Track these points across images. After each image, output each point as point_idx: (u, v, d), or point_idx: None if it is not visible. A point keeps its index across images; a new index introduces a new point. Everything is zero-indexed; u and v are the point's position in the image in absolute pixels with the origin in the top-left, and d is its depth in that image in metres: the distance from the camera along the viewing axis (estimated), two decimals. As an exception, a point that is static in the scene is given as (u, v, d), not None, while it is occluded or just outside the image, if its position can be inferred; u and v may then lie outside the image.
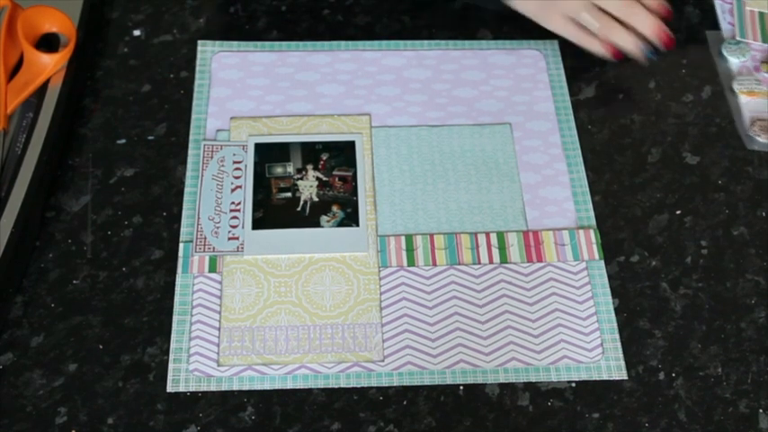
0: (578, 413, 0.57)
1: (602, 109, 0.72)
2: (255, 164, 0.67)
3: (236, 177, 0.66)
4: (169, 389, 0.57)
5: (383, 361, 0.59)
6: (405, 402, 0.58)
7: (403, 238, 0.64)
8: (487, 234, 0.64)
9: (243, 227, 0.64)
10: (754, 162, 0.69)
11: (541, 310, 0.61)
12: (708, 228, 0.66)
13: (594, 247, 0.64)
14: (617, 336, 0.60)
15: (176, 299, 0.61)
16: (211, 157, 0.67)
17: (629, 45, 0.69)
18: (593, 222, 0.65)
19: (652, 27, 0.69)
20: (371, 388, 0.58)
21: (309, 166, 0.67)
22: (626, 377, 0.59)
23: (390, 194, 0.66)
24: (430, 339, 0.60)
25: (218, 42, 0.74)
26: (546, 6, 0.70)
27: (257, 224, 0.64)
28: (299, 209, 0.65)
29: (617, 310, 0.61)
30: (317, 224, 0.64)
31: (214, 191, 0.65)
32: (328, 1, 0.77)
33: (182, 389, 0.57)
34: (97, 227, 0.64)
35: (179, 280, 0.62)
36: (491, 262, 0.63)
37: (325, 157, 0.68)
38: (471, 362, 0.59)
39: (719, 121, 0.71)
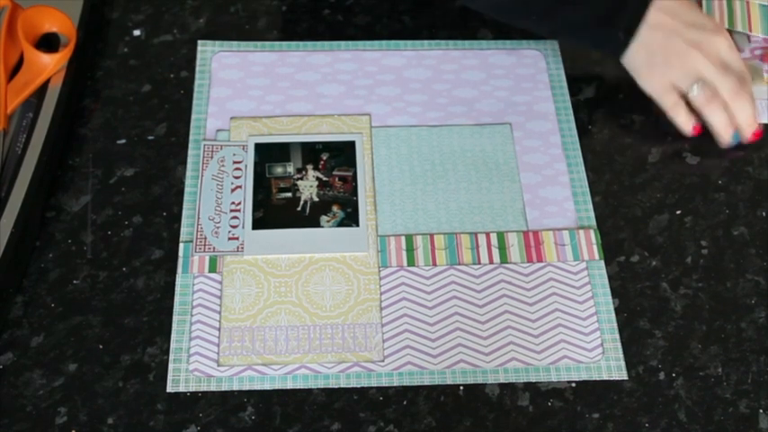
0: (578, 413, 0.57)
1: (602, 109, 0.72)
2: (255, 164, 0.67)
3: (236, 177, 0.66)
4: (169, 389, 0.57)
5: (383, 361, 0.59)
6: (405, 402, 0.57)
7: (403, 238, 0.64)
8: (487, 234, 0.64)
9: (243, 227, 0.64)
10: (754, 162, 0.69)
11: (541, 310, 0.61)
12: (708, 228, 0.66)
13: (594, 247, 0.64)
14: (617, 336, 0.60)
15: (176, 299, 0.61)
16: (211, 157, 0.67)
17: (723, 125, 0.68)
18: (594, 222, 0.65)
19: (750, 117, 0.68)
20: (371, 388, 0.58)
21: (309, 166, 0.67)
22: (626, 377, 0.59)
23: (390, 194, 0.66)
24: (430, 339, 0.60)
25: (218, 42, 0.74)
26: (654, 68, 0.68)
27: (257, 224, 0.64)
28: (299, 209, 0.65)
29: (617, 310, 0.61)
30: (317, 224, 0.64)
31: (214, 191, 0.65)
32: (328, 1, 0.77)
33: (182, 389, 0.57)
34: (97, 227, 0.64)
35: (179, 280, 0.62)
36: (491, 262, 0.63)
37: (325, 157, 0.68)
38: (471, 362, 0.59)
39: (719, 121, 0.71)
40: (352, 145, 0.68)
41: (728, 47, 0.68)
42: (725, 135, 0.69)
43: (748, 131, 0.69)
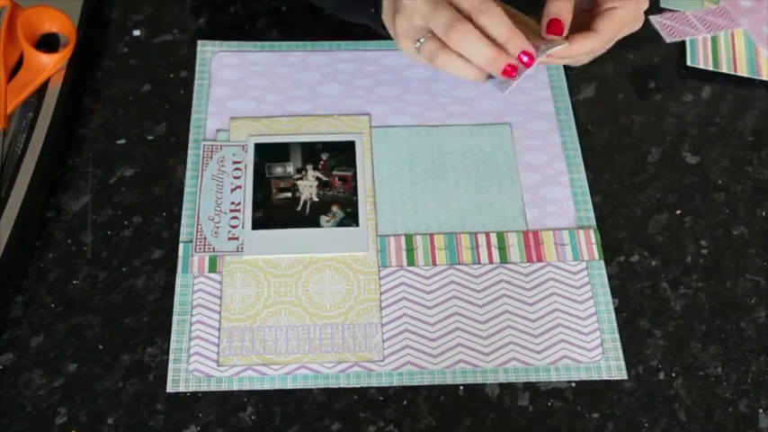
0: (578, 413, 0.57)
1: (602, 109, 0.72)
2: (255, 164, 0.67)
3: (236, 177, 0.66)
4: (169, 389, 0.57)
5: (383, 361, 0.59)
6: (405, 402, 0.57)
7: (403, 238, 0.64)
8: (487, 234, 0.64)
9: (243, 227, 0.64)
10: (753, 162, 0.69)
11: (541, 309, 0.61)
12: (708, 228, 0.66)
13: (594, 247, 0.64)
14: (617, 336, 0.60)
15: (176, 299, 0.61)
16: (211, 157, 0.67)
17: (463, 73, 0.57)
18: (593, 222, 0.65)
19: (476, 52, 0.55)
20: (371, 388, 0.58)
21: (309, 166, 0.67)
22: (626, 377, 0.59)
23: (390, 194, 0.66)
24: (430, 339, 0.60)
25: (218, 42, 0.74)
26: (396, 35, 0.59)
27: (257, 224, 0.64)
28: (298, 209, 0.65)
29: (617, 310, 0.61)
30: (316, 224, 0.64)
31: (214, 191, 0.65)
32: (328, 1, 0.77)
33: (182, 389, 0.57)
34: (97, 227, 0.64)
35: (179, 280, 0.62)
36: (491, 262, 0.63)
37: (325, 157, 0.68)
38: (471, 362, 0.59)
39: (719, 121, 0.71)
40: (351, 145, 0.68)
41: None
42: (474, 79, 0.57)
43: (492, 67, 0.55)
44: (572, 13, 0.57)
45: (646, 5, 0.59)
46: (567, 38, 0.57)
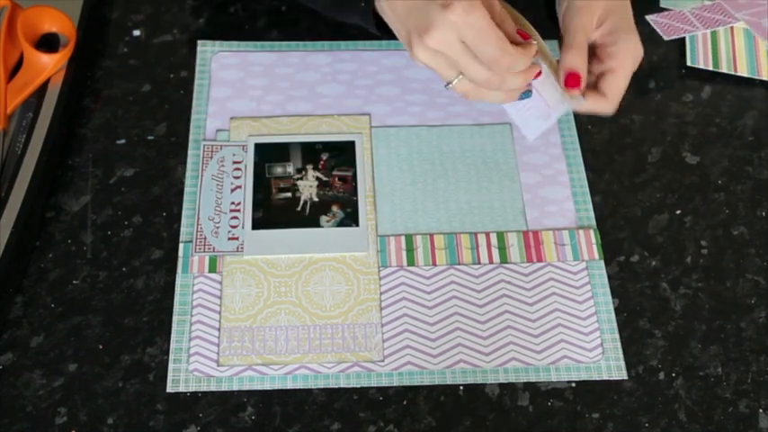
0: (578, 413, 0.57)
1: (602, 109, 0.72)
2: (255, 164, 0.67)
3: (236, 177, 0.66)
4: (169, 389, 0.57)
5: (383, 361, 0.59)
6: (405, 402, 0.57)
7: (403, 238, 0.64)
8: (487, 234, 0.64)
9: (243, 227, 0.64)
10: (754, 162, 0.69)
11: (541, 309, 0.61)
12: (708, 228, 0.66)
13: (594, 247, 0.64)
14: (617, 336, 0.60)
15: (176, 299, 0.61)
16: (211, 157, 0.67)
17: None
18: (593, 222, 0.65)
19: (504, 99, 0.59)
20: (371, 388, 0.58)
21: (309, 166, 0.67)
22: (626, 377, 0.59)
23: (390, 194, 0.66)
24: (430, 339, 0.60)
25: (218, 42, 0.74)
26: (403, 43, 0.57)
27: (257, 224, 0.64)
28: (298, 209, 0.65)
29: (617, 310, 0.61)
30: (316, 224, 0.64)
31: (214, 191, 0.65)
32: (328, 1, 0.77)
33: (182, 389, 0.57)
34: (97, 227, 0.64)
35: (179, 280, 0.62)
36: (491, 262, 0.63)
37: (325, 157, 0.68)
38: (471, 362, 0.59)
39: (719, 121, 0.71)
40: (351, 145, 0.68)
41: (466, 25, 0.53)
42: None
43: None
44: (586, 62, 0.57)
45: (640, 56, 0.61)
46: (583, 93, 0.59)
